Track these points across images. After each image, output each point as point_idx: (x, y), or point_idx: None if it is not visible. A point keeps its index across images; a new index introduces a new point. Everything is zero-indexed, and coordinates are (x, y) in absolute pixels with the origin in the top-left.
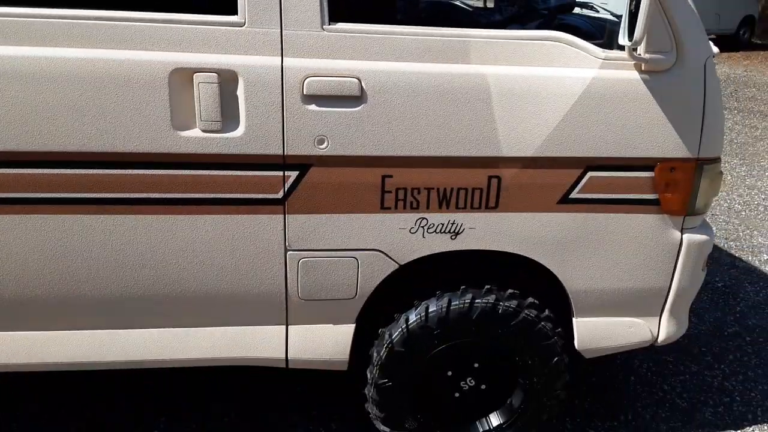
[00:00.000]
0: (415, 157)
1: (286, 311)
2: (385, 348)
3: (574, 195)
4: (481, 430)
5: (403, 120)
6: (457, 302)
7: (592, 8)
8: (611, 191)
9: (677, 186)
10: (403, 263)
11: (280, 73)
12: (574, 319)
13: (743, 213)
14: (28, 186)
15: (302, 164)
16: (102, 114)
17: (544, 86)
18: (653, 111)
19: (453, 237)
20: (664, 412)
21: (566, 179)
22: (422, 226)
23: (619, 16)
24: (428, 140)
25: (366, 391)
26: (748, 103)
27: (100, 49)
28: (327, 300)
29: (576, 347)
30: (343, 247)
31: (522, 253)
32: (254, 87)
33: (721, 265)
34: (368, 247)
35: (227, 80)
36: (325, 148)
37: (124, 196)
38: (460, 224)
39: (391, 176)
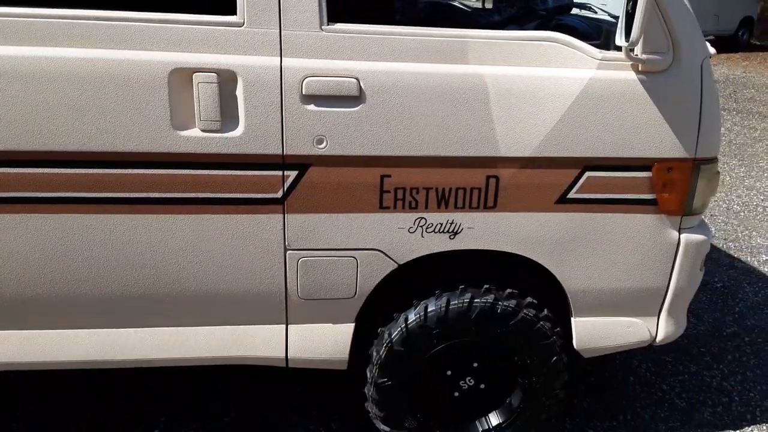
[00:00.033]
0: (414, 157)
1: (285, 310)
2: (385, 347)
3: (571, 195)
4: (480, 429)
5: (402, 120)
6: (456, 302)
7: (590, 9)
8: (609, 191)
9: (674, 186)
10: (402, 263)
11: (279, 73)
12: (572, 319)
13: (742, 214)
14: (28, 185)
15: (301, 164)
16: (102, 113)
17: (541, 86)
18: (650, 111)
19: (452, 237)
20: (663, 412)
21: (564, 179)
22: (421, 226)
23: (617, 17)
24: (426, 140)
25: (366, 391)
26: (746, 104)
27: (100, 49)
28: (326, 299)
29: (575, 347)
30: (343, 247)
31: (520, 253)
32: (253, 87)
33: (720, 266)
34: (367, 247)
35: (226, 80)
36: (324, 147)
37: (124, 196)
38: (458, 224)
39: (389, 176)
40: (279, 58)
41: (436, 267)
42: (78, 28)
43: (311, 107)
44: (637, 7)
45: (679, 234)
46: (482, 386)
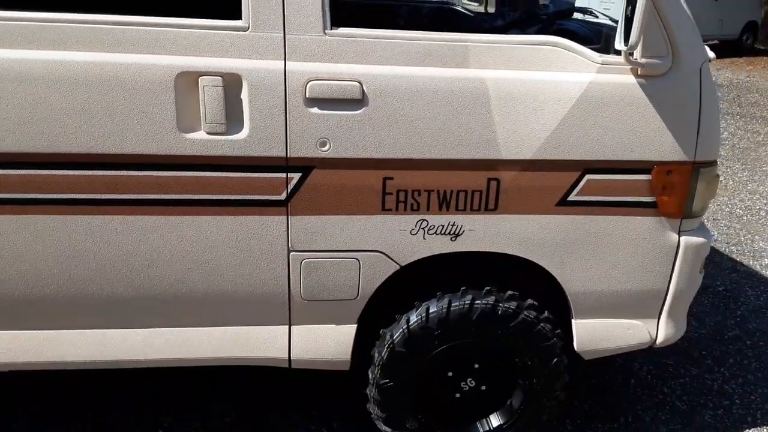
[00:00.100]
0: (416, 160)
1: (289, 311)
2: (387, 348)
3: (572, 197)
4: (481, 430)
5: (404, 123)
6: (458, 303)
7: (591, 14)
8: (609, 194)
9: (674, 189)
10: (403, 264)
11: (283, 77)
12: (573, 321)
13: (744, 217)
14: (36, 187)
15: (305, 166)
16: (109, 116)
17: (542, 90)
18: (650, 114)
19: (453, 238)
20: (663, 415)
21: (564, 182)
22: (423, 228)
23: (617, 21)
24: (428, 143)
25: (367, 391)
26: (750, 109)
27: (108, 52)
28: (329, 300)
29: (575, 349)
30: (345, 248)
31: (521, 255)
32: (258, 90)
33: (722, 270)
34: (370, 248)
35: (231, 84)
36: (327, 150)
37: (131, 197)
38: (460, 226)
39: (392, 178)
40: (283, 61)
41: (437, 269)
42: (86, 33)
43: (315, 110)
44: (636, 11)
45: (679, 236)
46: (483, 387)
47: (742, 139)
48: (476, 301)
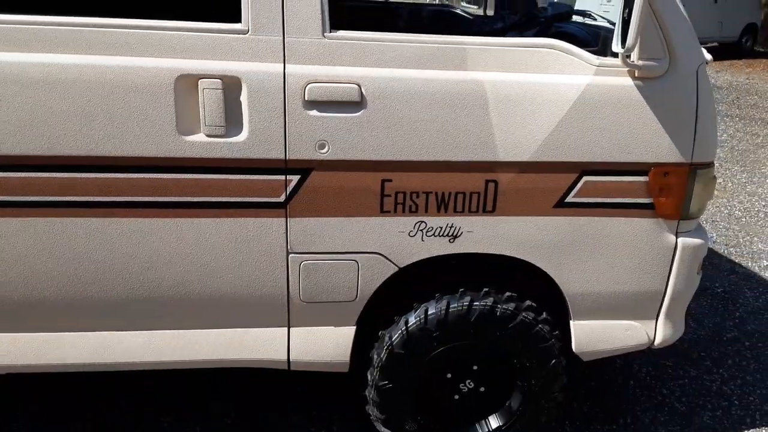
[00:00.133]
0: (414, 162)
1: (288, 313)
2: (385, 350)
3: (569, 199)
4: None
5: (402, 125)
6: (456, 305)
7: (589, 16)
8: (606, 195)
9: (671, 190)
10: (402, 266)
11: (283, 80)
12: (571, 322)
13: (743, 219)
14: (37, 189)
15: (304, 168)
16: (109, 119)
17: (539, 92)
18: (647, 116)
19: (451, 240)
20: (662, 416)
21: (562, 184)
22: (421, 230)
23: (615, 24)
24: (426, 145)
25: (367, 393)
26: (749, 111)
27: (107, 55)
28: (328, 302)
29: (573, 350)
30: (344, 250)
31: (519, 257)
32: (257, 93)
33: (720, 271)
34: (368, 250)
35: (231, 86)
36: (326, 152)
37: (131, 200)
38: (458, 228)
39: (390, 180)
40: (282, 64)
41: (436, 270)
42: (86, 36)
43: (313, 113)
44: (633, 13)
45: (676, 238)
46: (482, 389)
47: (741, 141)
48: (475, 303)
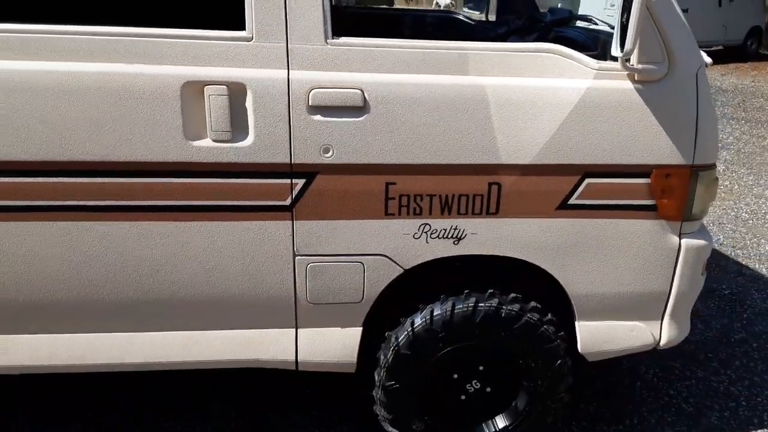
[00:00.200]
0: (418, 165)
1: (295, 315)
2: (392, 351)
3: (572, 201)
4: None
5: (405, 129)
6: (461, 306)
7: (590, 21)
8: (609, 197)
9: (673, 192)
10: (407, 268)
11: (287, 86)
12: (576, 323)
13: (750, 221)
14: (48, 194)
15: (309, 172)
16: (118, 125)
17: (540, 96)
18: (647, 119)
19: (456, 242)
20: (669, 417)
21: (564, 186)
22: (425, 232)
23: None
24: (429, 149)
25: (374, 393)
26: (755, 114)
27: (116, 63)
28: (334, 304)
29: (579, 351)
30: (350, 252)
31: (523, 258)
32: (262, 99)
33: (728, 273)
34: (373, 252)
35: (236, 92)
36: (331, 156)
37: (140, 204)
38: (462, 230)
39: (394, 183)
40: (286, 70)
41: (441, 272)
42: (96, 44)
43: (318, 118)
44: (631, 18)
45: (680, 239)
46: (488, 389)
47: (747, 143)
48: (479, 304)
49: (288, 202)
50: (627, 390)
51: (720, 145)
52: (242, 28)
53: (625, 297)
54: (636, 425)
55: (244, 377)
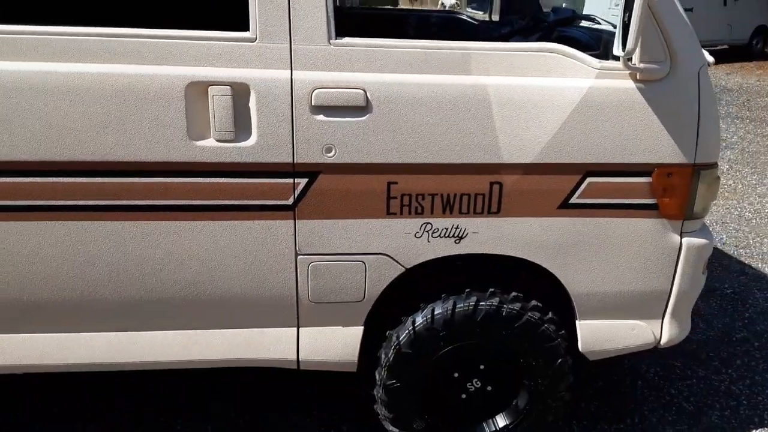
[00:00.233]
0: (420, 165)
1: (297, 314)
2: (393, 350)
3: (573, 200)
4: (487, 431)
5: (407, 129)
6: (462, 305)
7: (593, 20)
8: (610, 196)
9: (675, 191)
10: (409, 267)
11: (290, 86)
12: (577, 322)
13: (753, 221)
14: (53, 194)
15: (311, 172)
16: (122, 125)
17: (542, 96)
18: (649, 118)
19: (457, 241)
20: (670, 416)
21: (566, 185)
22: (427, 231)
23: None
24: (431, 148)
25: (375, 392)
26: (760, 113)
27: (120, 64)
28: (336, 303)
29: (580, 349)
30: (351, 252)
31: (524, 257)
32: (265, 99)
33: (730, 272)
34: (375, 251)
35: (240, 93)
36: (333, 156)
37: (143, 203)
38: (463, 229)
39: (396, 183)
40: (289, 71)
41: (442, 271)
42: (100, 45)
43: (320, 117)
44: (633, 17)
45: (681, 238)
46: (489, 388)
47: (751, 143)
48: (481, 303)
49: (290, 201)
50: (628, 389)
51: (724, 144)
52: (246, 28)
53: (626, 296)
54: (637, 424)
55: (244, 377)
